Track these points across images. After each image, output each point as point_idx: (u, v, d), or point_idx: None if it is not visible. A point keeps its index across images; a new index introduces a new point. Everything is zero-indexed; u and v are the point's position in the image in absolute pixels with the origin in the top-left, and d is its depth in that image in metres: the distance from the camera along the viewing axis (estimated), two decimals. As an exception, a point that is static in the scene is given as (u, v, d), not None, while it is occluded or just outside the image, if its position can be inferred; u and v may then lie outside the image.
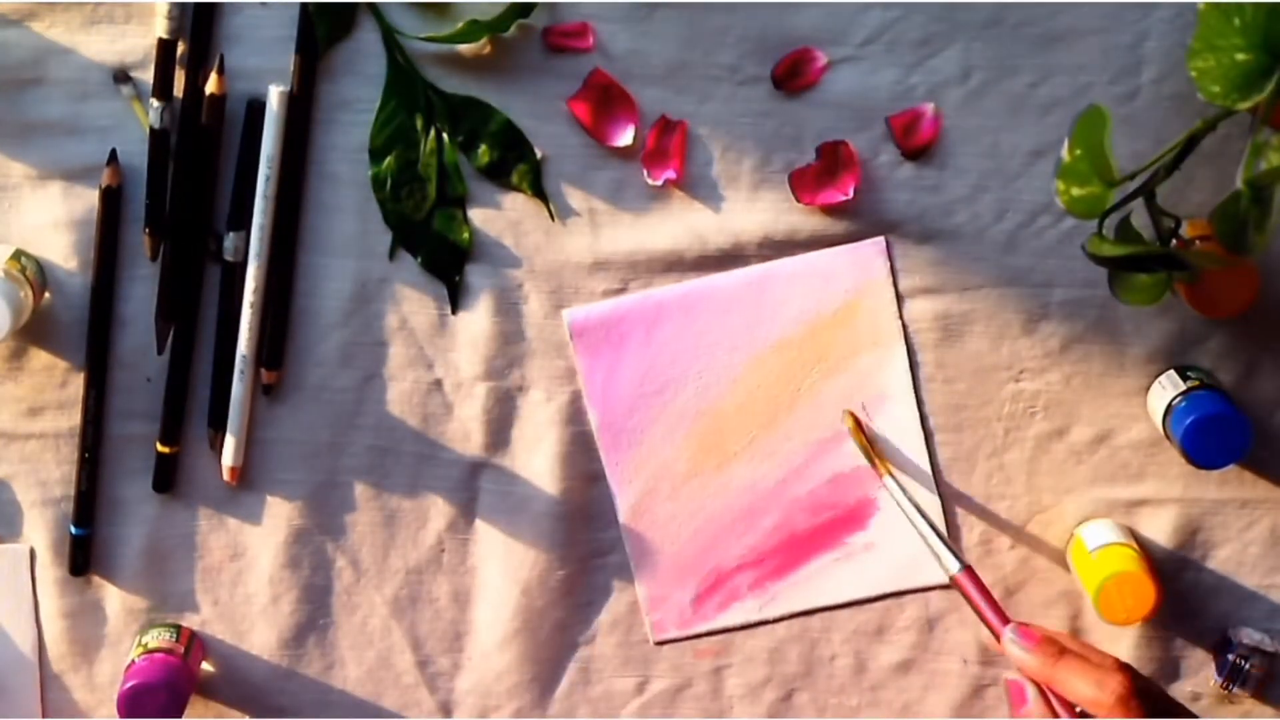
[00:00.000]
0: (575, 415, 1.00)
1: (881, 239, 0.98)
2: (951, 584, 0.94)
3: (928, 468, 1.00)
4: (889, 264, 0.98)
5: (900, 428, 1.00)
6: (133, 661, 0.98)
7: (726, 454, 1.01)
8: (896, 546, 1.02)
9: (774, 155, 0.97)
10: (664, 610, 1.03)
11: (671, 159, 0.96)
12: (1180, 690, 1.03)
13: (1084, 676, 0.88)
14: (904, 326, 0.99)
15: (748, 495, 1.01)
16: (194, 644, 1.00)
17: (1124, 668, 0.88)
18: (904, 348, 0.99)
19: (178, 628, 1.00)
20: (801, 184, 0.97)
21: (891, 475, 0.97)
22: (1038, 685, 0.91)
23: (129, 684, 0.96)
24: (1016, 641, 0.91)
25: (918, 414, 1.00)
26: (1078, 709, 0.89)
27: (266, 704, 1.03)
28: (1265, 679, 1.02)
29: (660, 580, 1.02)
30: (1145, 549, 1.00)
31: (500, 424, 1.00)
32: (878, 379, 1.00)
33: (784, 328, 0.99)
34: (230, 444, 0.99)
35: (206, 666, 1.02)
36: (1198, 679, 1.03)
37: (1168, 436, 0.96)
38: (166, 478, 0.99)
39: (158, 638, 0.99)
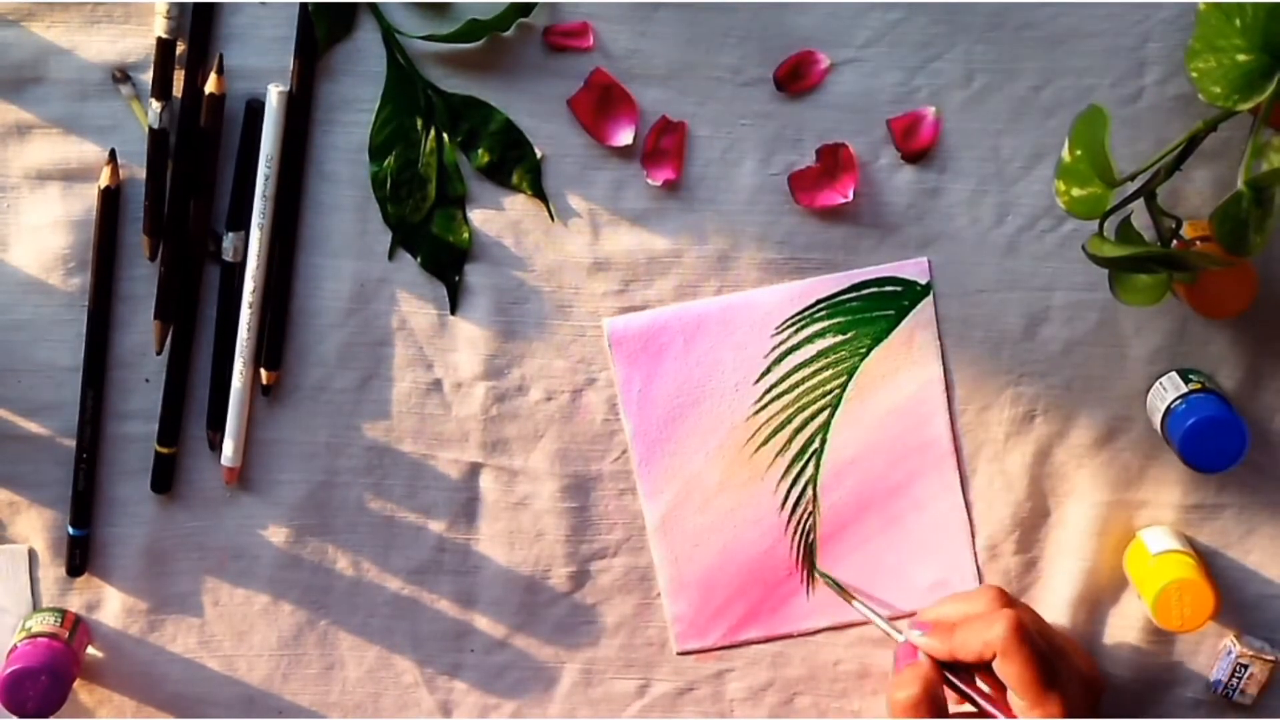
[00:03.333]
0: (575, 415, 1.00)
1: (925, 259, 0.98)
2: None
3: (958, 483, 1.01)
4: (931, 283, 0.98)
5: (934, 443, 1.00)
6: (15, 646, 0.97)
7: (759, 468, 1.01)
8: (923, 567, 1.02)
9: (774, 157, 0.97)
10: (689, 621, 1.02)
11: (671, 159, 0.96)
12: (1180, 697, 1.03)
13: (976, 633, 0.94)
14: (942, 346, 0.99)
15: (779, 510, 1.01)
16: (78, 628, 1.00)
17: (1004, 606, 0.95)
18: (941, 367, 0.99)
19: (62, 612, 1.00)
20: (801, 186, 0.97)
21: (859, 600, 1.01)
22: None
23: (10, 668, 0.95)
24: (922, 634, 0.96)
25: (950, 431, 1.00)
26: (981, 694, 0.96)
27: (266, 704, 1.03)
28: (1265, 687, 1.01)
29: (687, 591, 1.02)
30: (1204, 558, 1.00)
31: (500, 424, 1.00)
32: (915, 397, 0.99)
33: (823, 342, 0.99)
34: (229, 444, 0.98)
35: (214, 667, 1.03)
36: (1197, 686, 1.03)
37: (1165, 439, 0.96)
38: (165, 478, 0.99)
39: (41, 622, 0.99)
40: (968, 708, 0.97)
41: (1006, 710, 0.94)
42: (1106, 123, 0.85)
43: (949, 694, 0.96)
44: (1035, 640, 0.92)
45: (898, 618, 1.02)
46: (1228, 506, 1.01)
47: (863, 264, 0.98)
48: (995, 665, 0.93)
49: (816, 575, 1.01)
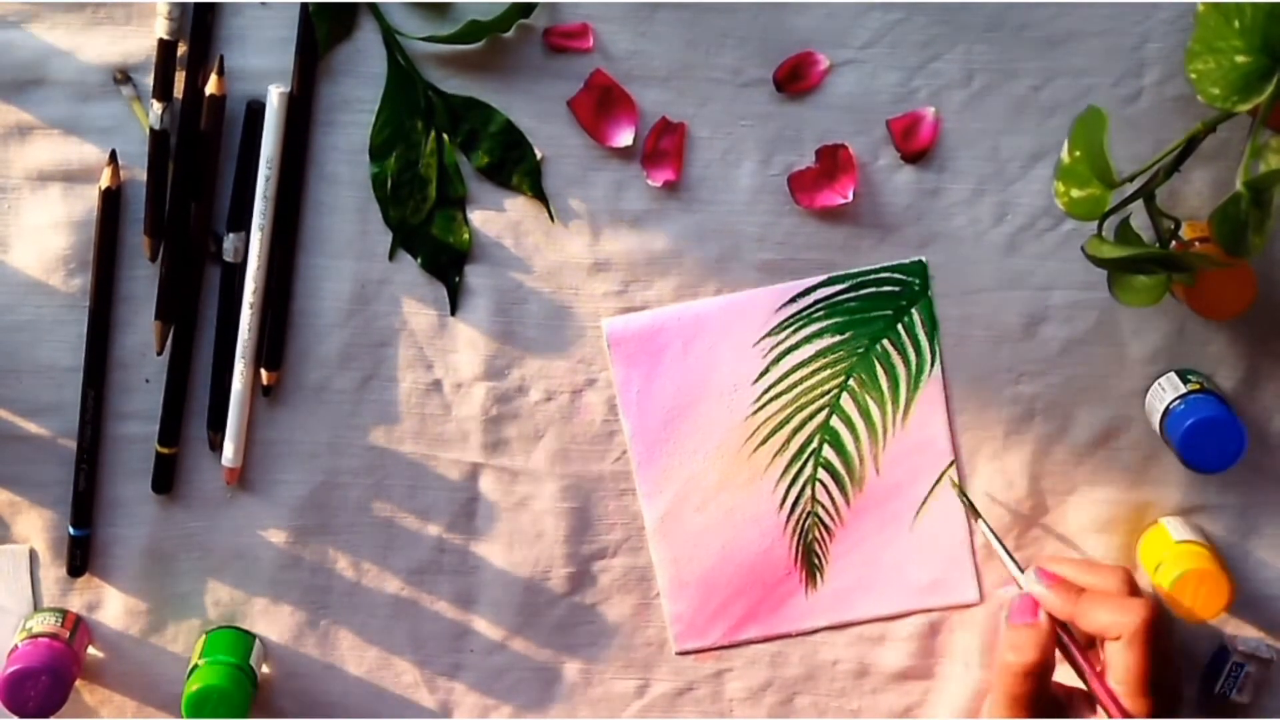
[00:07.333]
0: (575, 415, 1.00)
1: (923, 259, 0.98)
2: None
3: (957, 482, 1.01)
4: (929, 284, 0.98)
5: (932, 441, 1.00)
6: (16, 646, 0.97)
7: (758, 468, 1.01)
8: (922, 567, 1.02)
9: (774, 158, 0.97)
10: (689, 621, 1.03)
11: (671, 160, 0.96)
12: (1178, 695, 1.03)
13: (1110, 610, 0.92)
14: (940, 346, 0.99)
15: (778, 510, 1.01)
16: (79, 628, 1.00)
17: (1144, 598, 0.93)
18: (940, 366, 0.99)
19: (63, 612, 1.00)
20: (800, 186, 0.97)
21: (984, 520, 0.99)
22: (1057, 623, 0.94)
23: (11, 669, 0.95)
24: (1039, 581, 0.94)
25: (949, 429, 1.00)
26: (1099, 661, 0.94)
27: (267, 705, 1.03)
28: (1261, 686, 1.02)
29: (686, 591, 1.02)
30: (1219, 551, 1.00)
31: (500, 424, 1.00)
32: (913, 396, 1.00)
33: (821, 342, 0.99)
34: (229, 445, 0.99)
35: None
36: (1194, 685, 1.03)
37: (1164, 439, 0.96)
38: (166, 479, 0.99)
39: (42, 622, 0.99)
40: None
41: (1109, 691, 0.92)
42: (1105, 124, 0.85)
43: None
44: (1162, 640, 0.91)
45: (894, 617, 1.02)
46: (1226, 507, 1.01)
47: (862, 264, 0.98)
48: (1112, 648, 0.92)
49: (950, 482, 1.00)
